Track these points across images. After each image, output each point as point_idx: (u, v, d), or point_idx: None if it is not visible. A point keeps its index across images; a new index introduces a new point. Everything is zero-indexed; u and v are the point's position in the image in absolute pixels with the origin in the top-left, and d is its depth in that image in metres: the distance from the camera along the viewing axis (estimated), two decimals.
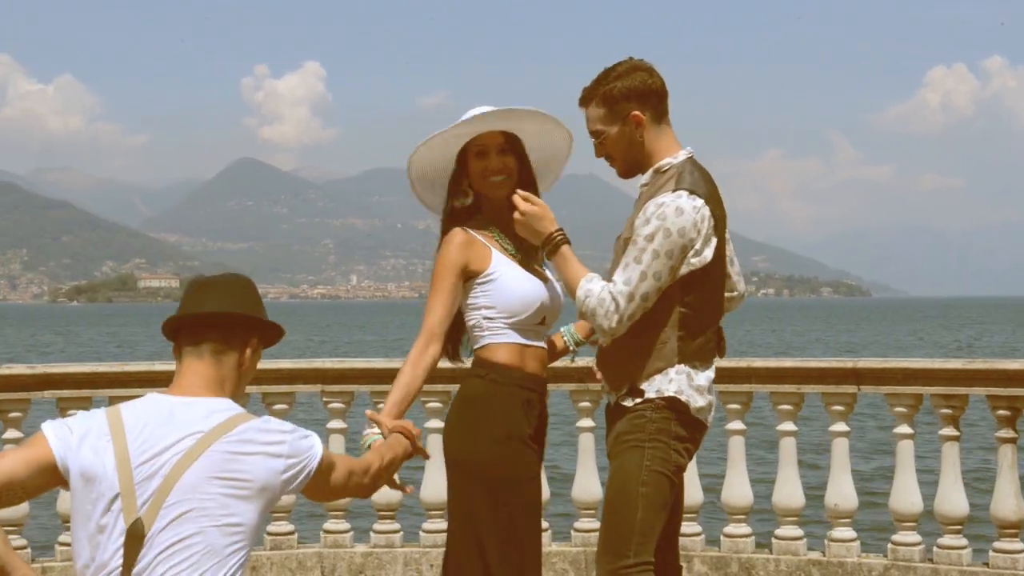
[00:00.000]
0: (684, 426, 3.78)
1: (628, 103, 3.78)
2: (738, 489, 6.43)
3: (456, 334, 4.02)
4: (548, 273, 4.04)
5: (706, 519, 6.72)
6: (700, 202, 3.68)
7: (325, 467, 2.95)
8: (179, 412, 2.82)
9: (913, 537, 6.14)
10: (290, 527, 6.58)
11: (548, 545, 6.48)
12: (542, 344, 4.00)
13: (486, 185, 3.95)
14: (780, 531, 6.36)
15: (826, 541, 6.29)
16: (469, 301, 3.92)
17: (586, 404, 6.56)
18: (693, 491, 6.46)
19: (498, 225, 3.98)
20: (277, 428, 2.87)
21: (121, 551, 2.71)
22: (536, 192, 3.98)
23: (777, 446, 6.57)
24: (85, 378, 6.36)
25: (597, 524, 6.50)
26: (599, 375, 3.94)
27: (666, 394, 3.74)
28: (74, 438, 2.78)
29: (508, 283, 3.89)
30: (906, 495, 6.17)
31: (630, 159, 3.84)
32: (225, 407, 2.88)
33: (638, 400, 3.76)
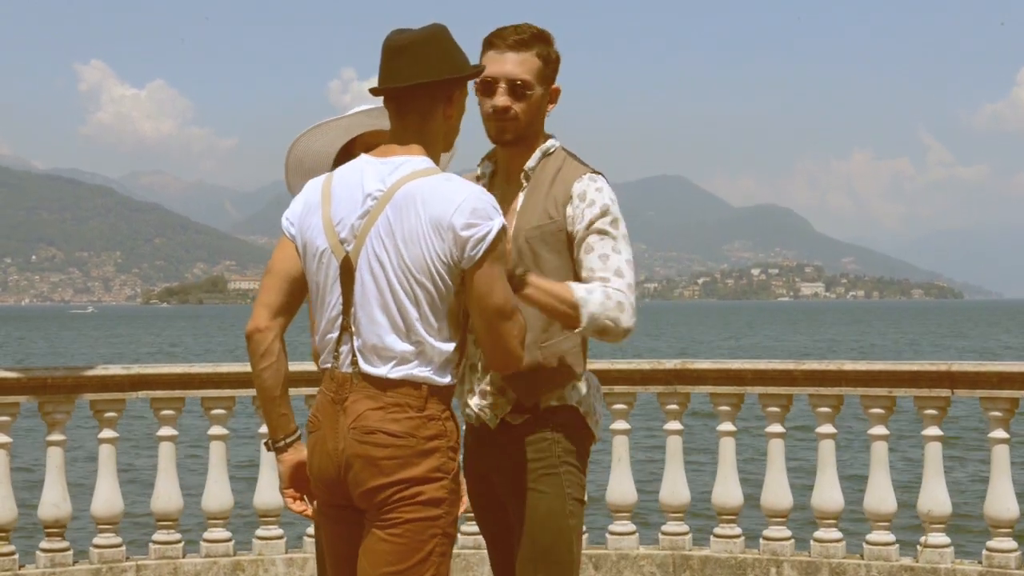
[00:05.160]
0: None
1: (553, 73, 3.43)
2: (828, 493, 6.36)
3: None
4: None
5: (795, 524, 6.66)
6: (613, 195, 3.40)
7: (501, 249, 3.00)
8: (368, 172, 3.05)
9: (1009, 543, 6.03)
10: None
11: (636, 548, 6.47)
12: None
13: None
14: (872, 536, 6.28)
15: (919, 547, 6.20)
16: None
17: (674, 407, 6.54)
18: (781, 494, 6.41)
19: None
20: (455, 185, 2.99)
21: (339, 288, 3.03)
22: None
23: (868, 450, 6.48)
24: (178, 379, 6.45)
25: (685, 527, 6.49)
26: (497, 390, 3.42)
27: (569, 405, 3.42)
28: (297, 213, 3.14)
29: None
30: (1002, 500, 6.05)
31: (529, 127, 3.40)
32: (409, 163, 3.04)
33: (546, 417, 3.40)
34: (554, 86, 3.45)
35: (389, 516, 2.98)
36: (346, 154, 3.76)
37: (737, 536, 6.47)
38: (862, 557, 6.26)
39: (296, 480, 3.27)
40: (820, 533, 6.37)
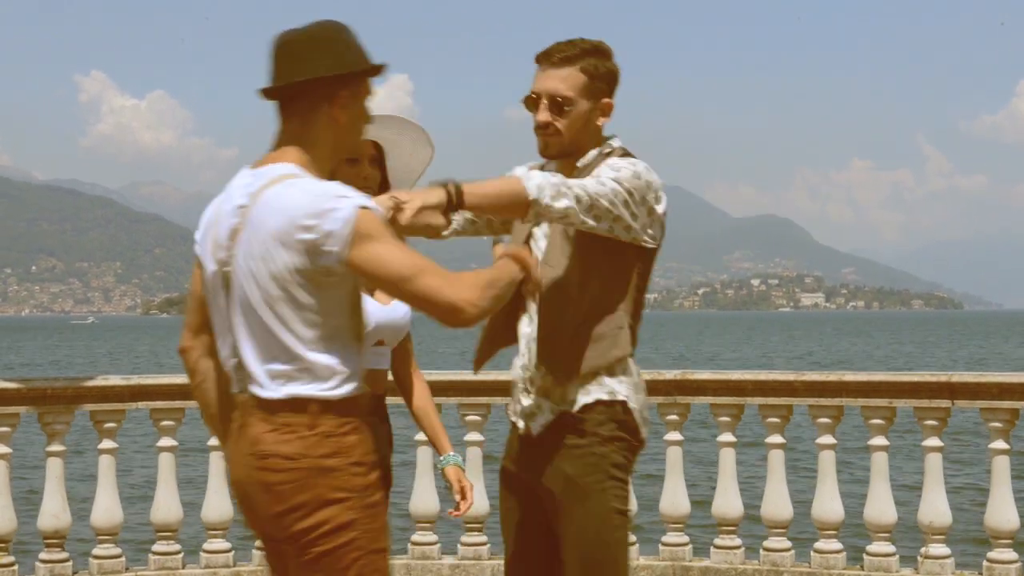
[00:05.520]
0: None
1: (606, 87, 3.41)
2: (828, 504, 6.35)
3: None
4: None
5: (795, 534, 6.66)
6: (657, 178, 3.33)
7: (368, 228, 2.76)
8: (238, 185, 2.90)
9: (1010, 554, 6.02)
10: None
11: (635, 559, 6.46)
12: (380, 366, 3.83)
13: None
14: (872, 547, 6.28)
15: (919, 558, 6.20)
16: None
17: (674, 417, 6.53)
18: (782, 505, 6.41)
19: None
20: (297, 189, 2.79)
21: (227, 310, 2.89)
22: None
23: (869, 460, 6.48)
24: (178, 390, 6.45)
25: (686, 538, 6.48)
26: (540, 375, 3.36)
27: (619, 397, 3.37)
28: (201, 230, 3.00)
29: None
30: (1002, 511, 6.05)
31: (575, 143, 3.39)
32: (273, 170, 2.85)
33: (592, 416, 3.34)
34: (606, 100, 3.41)
35: (304, 555, 2.81)
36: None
37: (737, 547, 6.46)
38: (862, 568, 6.26)
39: None
40: (820, 544, 6.36)
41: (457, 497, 3.94)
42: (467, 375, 6.71)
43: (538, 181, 3.14)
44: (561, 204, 3.15)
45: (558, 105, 3.35)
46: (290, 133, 2.91)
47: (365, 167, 3.77)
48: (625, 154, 3.42)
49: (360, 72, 2.91)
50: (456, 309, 2.75)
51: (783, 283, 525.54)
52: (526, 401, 3.40)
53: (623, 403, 3.36)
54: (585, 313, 3.32)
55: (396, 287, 2.78)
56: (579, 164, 3.41)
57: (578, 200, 3.17)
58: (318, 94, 2.87)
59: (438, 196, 3.07)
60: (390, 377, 4.02)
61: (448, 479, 3.99)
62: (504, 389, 6.53)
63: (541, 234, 3.44)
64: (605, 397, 3.34)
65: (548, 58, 3.38)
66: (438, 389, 6.53)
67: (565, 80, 3.35)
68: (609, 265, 3.35)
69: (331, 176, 3.65)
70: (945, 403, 6.14)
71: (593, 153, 3.42)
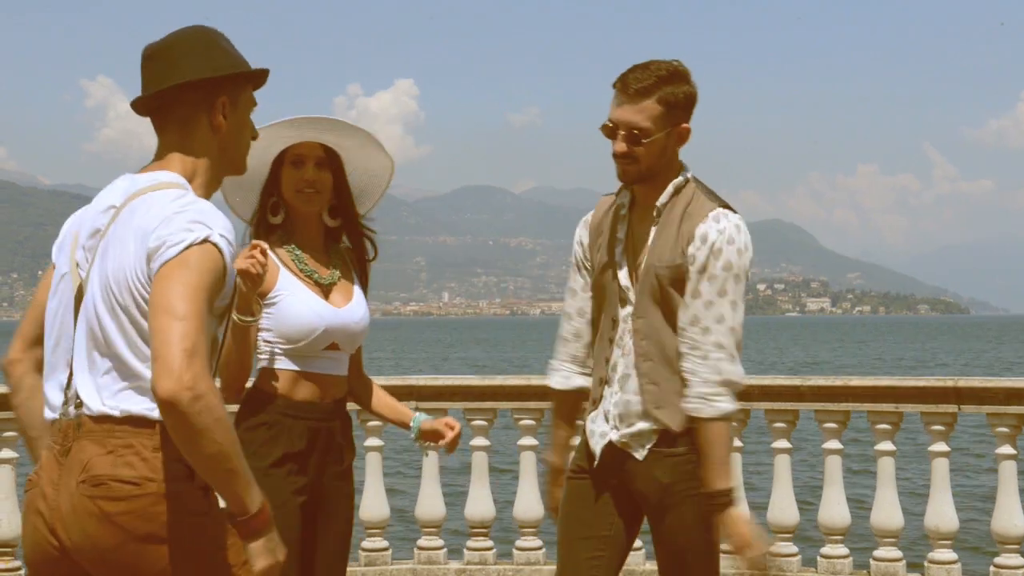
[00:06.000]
0: None
1: (683, 112, 3.44)
2: (834, 509, 6.34)
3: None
4: (357, 295, 3.80)
5: (800, 540, 6.64)
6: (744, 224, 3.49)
7: (194, 261, 2.46)
8: (115, 188, 2.68)
9: (1016, 560, 6.01)
10: (384, 543, 6.61)
11: (642, 564, 6.45)
12: (334, 372, 3.73)
13: (297, 197, 3.70)
14: (879, 552, 6.27)
15: (925, 563, 6.19)
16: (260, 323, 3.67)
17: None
18: (788, 510, 6.40)
19: (298, 241, 3.74)
20: (168, 201, 2.55)
21: (71, 319, 2.62)
22: (353, 213, 3.80)
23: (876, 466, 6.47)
24: None
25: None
26: (651, 414, 3.48)
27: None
28: (66, 225, 2.77)
29: (286, 308, 3.63)
30: (1009, 517, 6.04)
31: (652, 169, 3.44)
32: (150, 176, 2.65)
33: (686, 439, 3.46)
34: (683, 126, 3.44)
35: None
36: (277, 165, 3.71)
37: None
38: (869, 573, 6.25)
39: None
40: (827, 549, 6.36)
41: (447, 431, 3.87)
42: (473, 379, 6.71)
43: (701, 406, 3.36)
44: (732, 398, 3.41)
45: (635, 137, 3.39)
46: (169, 145, 2.69)
47: (309, 170, 3.70)
48: (699, 191, 3.49)
49: (237, 76, 2.71)
50: (168, 373, 2.34)
51: (789, 288, 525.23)
52: (622, 431, 3.50)
53: None
54: (678, 351, 3.43)
55: (152, 315, 2.42)
56: (658, 203, 3.47)
57: (719, 365, 3.38)
58: (195, 101, 2.67)
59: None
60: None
61: (427, 429, 3.91)
62: (508, 394, 6.55)
63: (622, 319, 3.52)
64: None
65: (625, 89, 3.40)
66: (445, 394, 6.56)
67: (642, 112, 3.38)
68: None
69: (273, 178, 3.68)
70: (952, 408, 6.13)
71: (669, 190, 3.47)
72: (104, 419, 2.51)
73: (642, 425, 3.47)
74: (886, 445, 6.30)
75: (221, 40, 2.73)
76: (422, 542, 6.63)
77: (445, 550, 6.64)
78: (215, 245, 2.50)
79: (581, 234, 3.69)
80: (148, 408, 2.50)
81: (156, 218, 2.51)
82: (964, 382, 6.14)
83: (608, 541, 3.57)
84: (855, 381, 6.34)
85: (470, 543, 6.62)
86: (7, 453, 6.17)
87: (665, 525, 3.50)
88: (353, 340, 3.76)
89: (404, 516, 8.83)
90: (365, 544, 6.57)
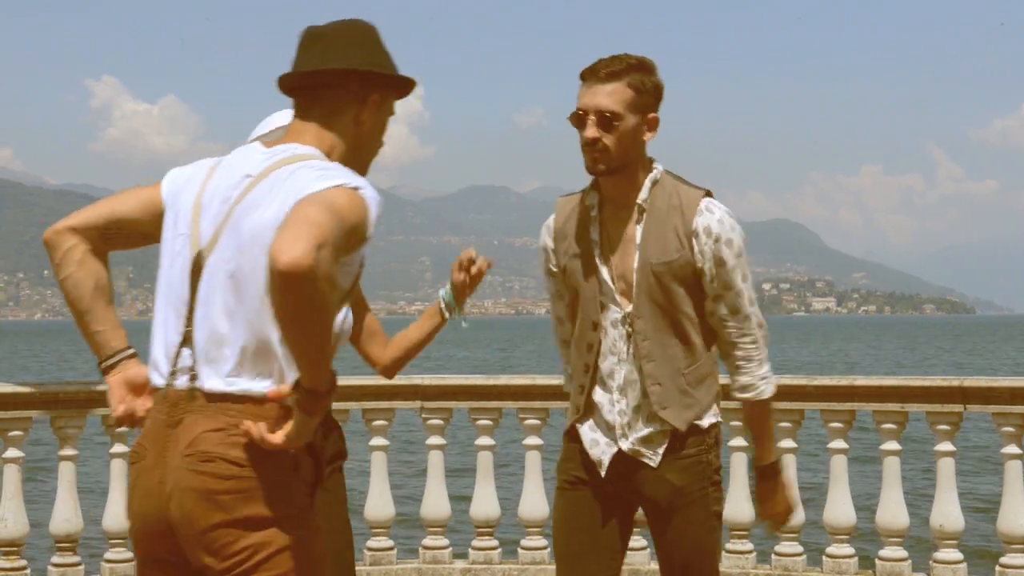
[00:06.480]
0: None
1: (652, 101, 3.41)
2: (841, 508, 6.34)
3: None
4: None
5: (807, 537, 6.64)
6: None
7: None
8: (250, 156, 2.64)
9: (1022, 560, 6.00)
10: (389, 543, 6.61)
11: (647, 564, 6.44)
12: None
13: None
14: (884, 552, 6.26)
15: (931, 563, 6.18)
16: None
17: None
18: (796, 510, 6.38)
19: None
20: (325, 172, 2.50)
21: (187, 285, 2.57)
22: None
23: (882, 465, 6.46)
24: None
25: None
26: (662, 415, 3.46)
27: (713, 422, 3.54)
28: (180, 182, 2.70)
29: None
30: (1015, 517, 6.03)
31: (622, 159, 3.39)
32: (291, 148, 2.62)
33: (695, 439, 3.49)
34: (652, 115, 3.41)
35: (231, 563, 2.45)
36: None
37: (749, 552, 6.45)
38: (874, 573, 6.24)
39: (130, 391, 2.73)
40: (832, 549, 6.35)
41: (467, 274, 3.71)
42: (478, 379, 6.71)
43: (764, 387, 3.50)
44: (768, 371, 3.54)
45: (606, 120, 3.34)
46: (308, 125, 2.68)
47: None
48: (677, 182, 3.47)
49: (393, 79, 2.73)
50: (293, 250, 2.24)
51: (794, 287, 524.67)
52: (633, 439, 3.47)
53: (716, 425, 3.56)
54: (688, 358, 3.46)
55: (284, 221, 2.35)
56: (640, 200, 3.44)
57: (765, 345, 3.52)
58: (348, 91, 2.67)
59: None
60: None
61: (457, 285, 3.74)
62: (514, 394, 6.54)
63: (609, 324, 3.48)
64: (715, 420, 3.53)
65: (594, 74, 3.37)
66: (449, 393, 6.56)
67: (612, 95, 3.34)
68: (693, 309, 3.46)
69: None
70: (958, 407, 6.12)
71: (647, 185, 3.44)
72: (220, 396, 2.48)
73: (650, 429, 3.45)
74: (891, 445, 6.29)
75: (382, 40, 2.73)
76: (427, 541, 6.63)
77: (450, 549, 6.64)
78: (364, 198, 2.46)
79: (546, 240, 3.63)
80: (266, 388, 2.47)
81: (304, 181, 2.47)
82: (970, 381, 6.12)
83: (612, 552, 3.56)
84: (860, 380, 6.33)
85: (475, 542, 6.62)
86: (13, 452, 6.17)
87: (673, 526, 3.49)
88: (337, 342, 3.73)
89: (410, 516, 8.83)
90: (370, 543, 6.57)
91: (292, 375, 2.44)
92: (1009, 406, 6.01)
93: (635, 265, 3.43)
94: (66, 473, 6.27)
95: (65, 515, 6.24)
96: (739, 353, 3.47)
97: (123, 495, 6.37)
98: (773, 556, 6.41)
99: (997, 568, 6.05)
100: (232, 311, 2.50)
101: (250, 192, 2.54)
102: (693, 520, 3.47)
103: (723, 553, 6.48)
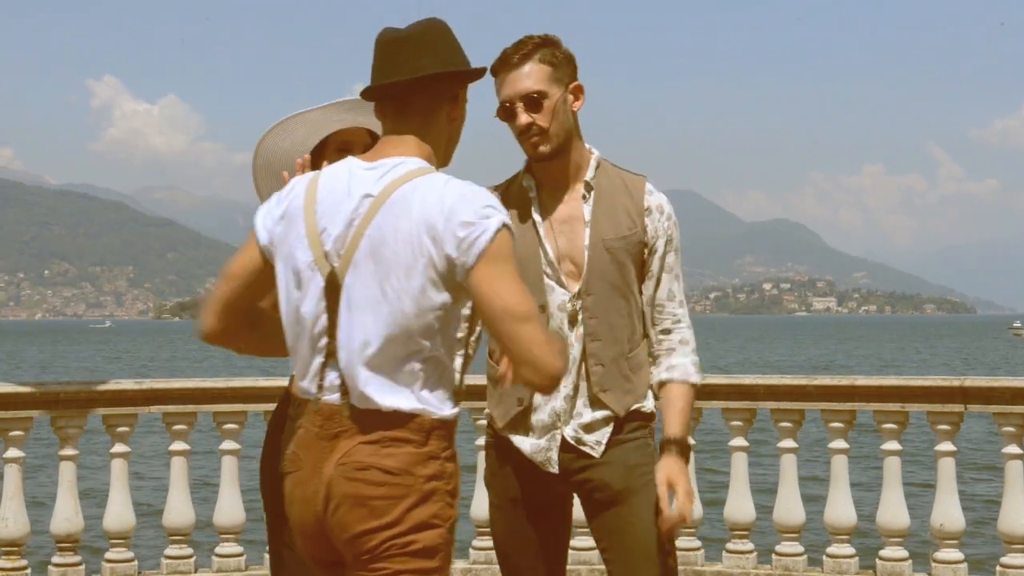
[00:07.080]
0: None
1: (569, 70, 3.38)
2: (841, 509, 6.33)
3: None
4: None
5: (807, 537, 6.64)
6: None
7: (501, 249, 2.56)
8: (357, 176, 2.67)
9: (1022, 559, 6.00)
10: None
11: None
12: None
13: None
14: (885, 552, 6.26)
15: (932, 563, 6.18)
16: None
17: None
18: (794, 509, 6.39)
19: None
20: (450, 186, 2.61)
21: (324, 307, 2.64)
22: None
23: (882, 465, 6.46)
24: (190, 393, 6.46)
25: (698, 543, 6.46)
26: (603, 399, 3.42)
27: (653, 410, 3.51)
28: (276, 215, 2.73)
29: None
30: (1016, 516, 6.03)
31: (561, 135, 3.36)
32: (403, 164, 2.68)
33: (639, 423, 3.46)
34: (575, 83, 3.39)
35: (376, 566, 2.57)
36: (318, 154, 3.48)
37: (750, 551, 6.45)
38: (875, 573, 6.24)
39: None
40: (833, 549, 6.34)
41: None
42: (476, 379, 6.70)
43: (696, 371, 3.48)
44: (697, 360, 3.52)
45: (534, 101, 3.33)
46: (406, 131, 2.73)
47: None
48: (613, 165, 3.49)
49: (474, 72, 2.81)
50: (544, 373, 2.56)
51: (795, 287, 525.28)
52: (576, 421, 3.40)
53: (653, 413, 3.51)
54: (630, 342, 3.43)
55: (495, 318, 2.54)
56: (588, 178, 3.43)
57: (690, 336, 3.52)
58: (442, 91, 2.74)
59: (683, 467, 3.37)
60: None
61: None
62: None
63: (555, 307, 3.41)
64: (653, 409, 3.49)
65: (506, 63, 3.36)
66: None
67: (531, 76, 3.33)
68: (638, 290, 3.47)
69: (314, 167, 3.40)
70: (958, 407, 6.12)
71: (593, 163, 3.44)
72: (371, 413, 2.60)
73: (592, 415, 3.40)
74: (892, 445, 6.29)
75: (454, 35, 2.78)
76: None
77: None
78: (509, 230, 2.59)
79: None
80: (415, 406, 2.61)
81: (441, 203, 2.56)
82: (970, 381, 6.12)
83: (558, 558, 3.55)
84: (861, 380, 6.33)
85: (475, 542, 6.62)
86: (14, 452, 6.17)
87: (629, 506, 3.40)
88: None
89: None
90: None
91: (433, 391, 2.62)
92: (1010, 406, 6.01)
93: (586, 243, 3.39)
94: (66, 473, 6.27)
95: (65, 515, 6.24)
96: (676, 336, 3.46)
97: (123, 495, 6.37)
98: (774, 556, 6.41)
99: (997, 568, 6.05)
100: (374, 330, 2.59)
101: (378, 213, 2.60)
102: (649, 500, 3.37)
103: (723, 553, 6.48)
